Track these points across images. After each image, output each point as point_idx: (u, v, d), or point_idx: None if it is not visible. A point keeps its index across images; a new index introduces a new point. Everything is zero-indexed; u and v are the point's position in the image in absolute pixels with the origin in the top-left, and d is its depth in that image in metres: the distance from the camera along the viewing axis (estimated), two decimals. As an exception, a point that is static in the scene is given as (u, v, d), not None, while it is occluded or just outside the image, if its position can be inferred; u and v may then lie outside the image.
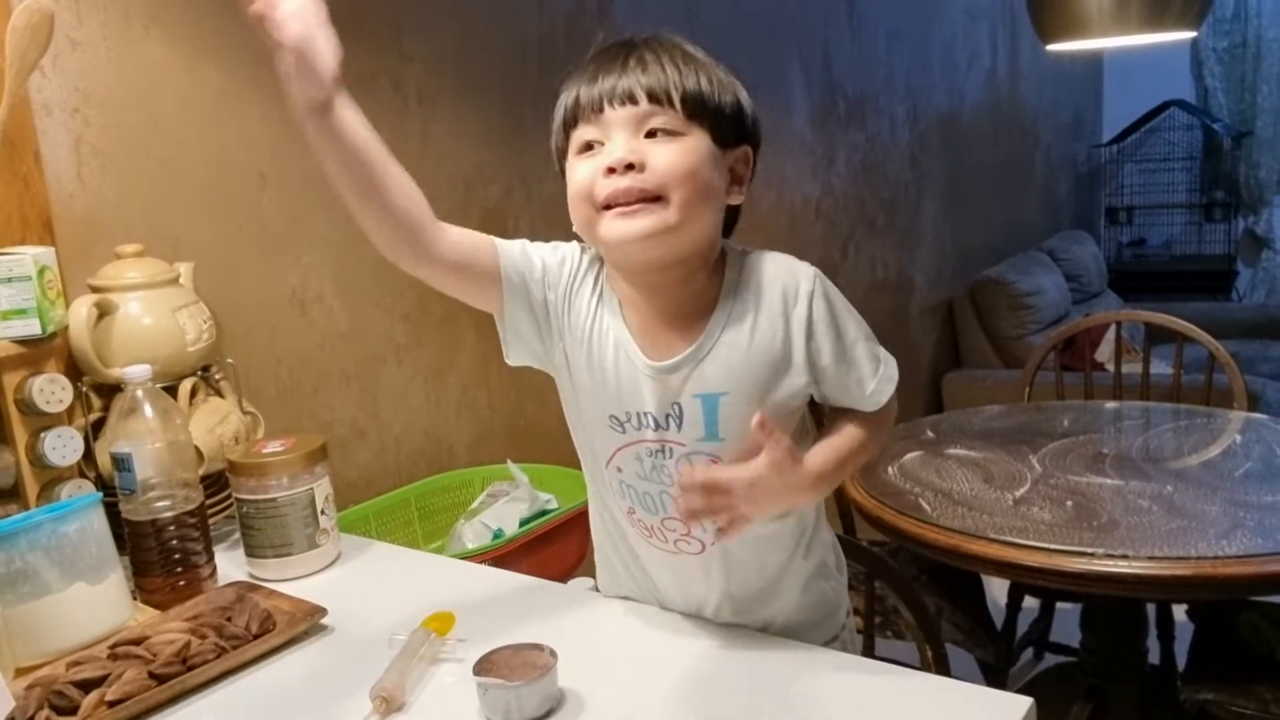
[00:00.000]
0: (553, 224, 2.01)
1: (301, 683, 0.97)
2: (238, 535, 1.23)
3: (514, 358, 1.04)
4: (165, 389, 1.19)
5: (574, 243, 1.01)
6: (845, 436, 1.00)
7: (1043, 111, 4.54)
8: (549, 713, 0.87)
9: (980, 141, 3.94)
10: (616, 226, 0.90)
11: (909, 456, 1.99)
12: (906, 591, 1.48)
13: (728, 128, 0.94)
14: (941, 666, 1.41)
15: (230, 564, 1.22)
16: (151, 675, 0.93)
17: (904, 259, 3.40)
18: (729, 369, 0.95)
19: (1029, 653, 2.54)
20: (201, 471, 1.20)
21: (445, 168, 1.80)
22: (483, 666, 0.88)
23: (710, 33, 2.40)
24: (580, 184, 0.91)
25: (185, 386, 1.26)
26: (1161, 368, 2.70)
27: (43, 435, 1.11)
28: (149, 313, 1.24)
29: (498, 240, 1.00)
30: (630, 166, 0.88)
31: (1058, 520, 1.64)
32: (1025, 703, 0.84)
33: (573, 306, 0.99)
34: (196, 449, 1.20)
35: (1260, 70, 4.80)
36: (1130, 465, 1.91)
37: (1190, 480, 1.80)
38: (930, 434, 2.16)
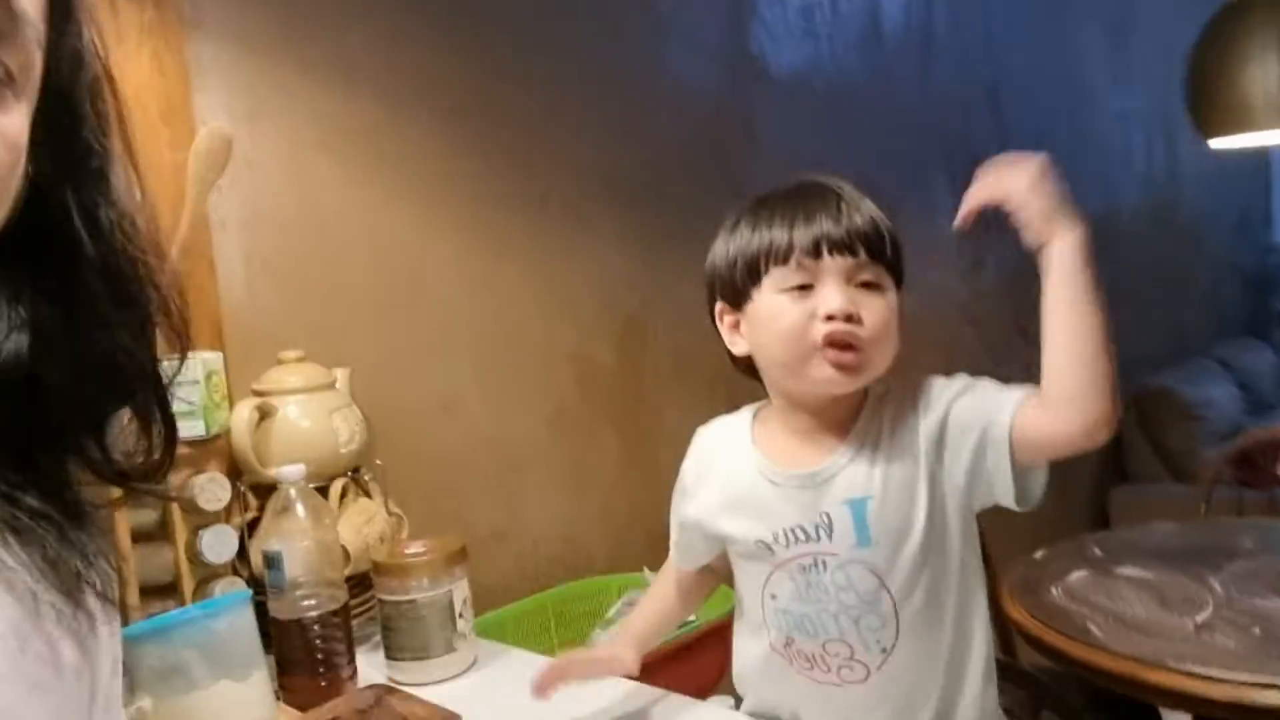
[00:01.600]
0: (691, 328, 2.02)
1: (435, 794, 0.95)
2: (378, 637, 1.23)
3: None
4: (317, 489, 1.22)
5: (686, 462, 1.13)
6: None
7: (1204, 212, 4.33)
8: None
9: (1137, 245, 3.78)
10: (828, 375, 0.95)
11: (1075, 576, 1.86)
12: (1076, 724, 1.36)
13: (901, 274, 1.00)
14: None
15: (370, 666, 1.23)
16: (289, 778, 0.92)
17: (1059, 366, 3.24)
18: (874, 473, 0.96)
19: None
20: (347, 572, 1.22)
21: (588, 275, 1.83)
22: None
23: (850, 134, 2.41)
24: (793, 324, 0.95)
25: (336, 487, 1.29)
26: (1358, 484, 2.46)
27: (201, 533, 1.15)
28: (306, 415, 1.29)
29: (674, 554, 1.17)
30: (849, 317, 0.94)
31: (1244, 649, 1.49)
32: None
33: (714, 496, 1.06)
34: (343, 549, 1.22)
35: None
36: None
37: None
38: (1098, 552, 2.01)
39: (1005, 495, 0.94)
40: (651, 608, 1.18)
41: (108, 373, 0.51)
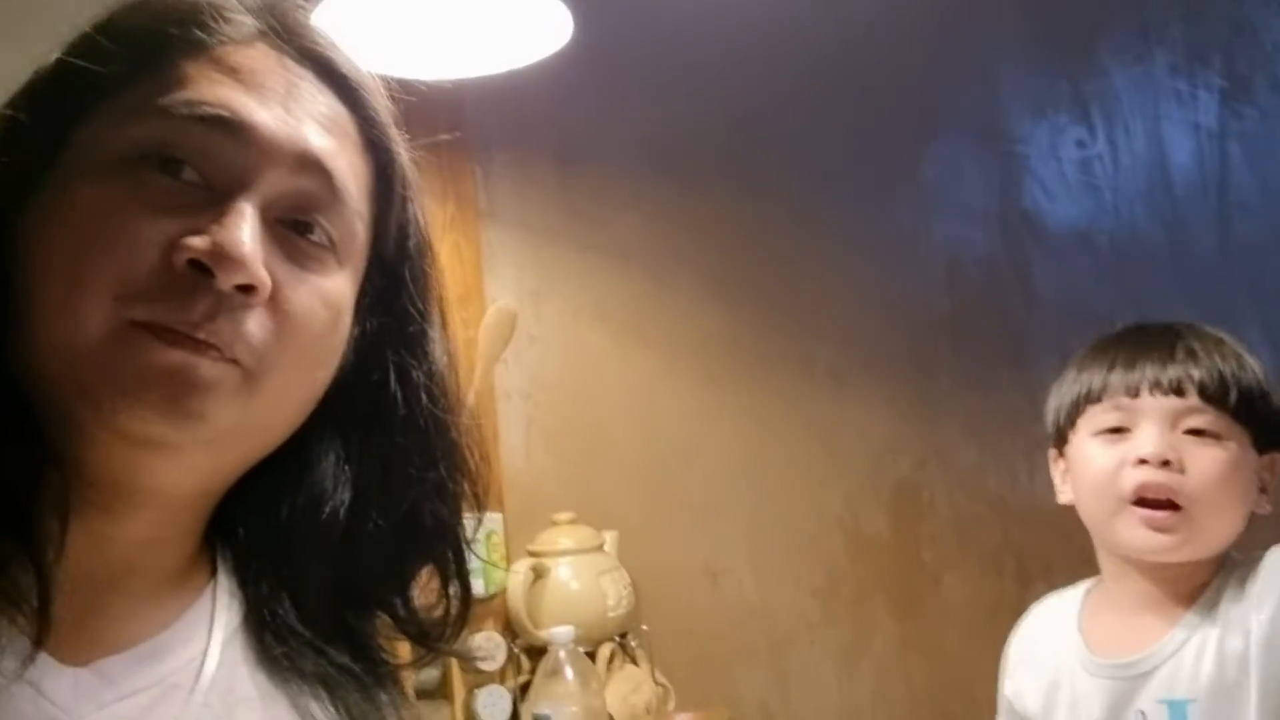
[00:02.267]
0: (971, 495, 1.90)
1: None
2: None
3: None
4: (586, 654, 1.23)
5: (1012, 638, 1.06)
6: None
7: None
8: None
9: None
10: (1140, 536, 0.86)
11: None
12: None
13: (1267, 432, 0.89)
14: None
15: (634, 845, 1.18)
16: None
17: None
18: (1198, 673, 0.84)
19: None
20: (612, 741, 1.20)
21: (855, 440, 1.78)
22: None
23: (1140, 288, 2.25)
24: (1104, 471, 0.89)
25: (604, 652, 1.29)
26: None
27: (476, 693, 1.18)
28: (576, 577, 1.31)
29: None
30: (1166, 463, 0.85)
31: None
32: None
33: (1033, 677, 0.99)
34: (610, 717, 1.21)
35: None
36: None
37: None
38: None
39: None
40: None
41: (416, 530, 0.53)
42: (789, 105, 1.80)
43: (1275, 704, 0.81)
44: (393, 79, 0.55)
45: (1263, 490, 0.88)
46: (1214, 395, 0.85)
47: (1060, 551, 1.97)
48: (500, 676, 1.23)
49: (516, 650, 1.27)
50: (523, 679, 1.27)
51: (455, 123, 1.30)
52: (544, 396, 1.49)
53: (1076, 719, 0.91)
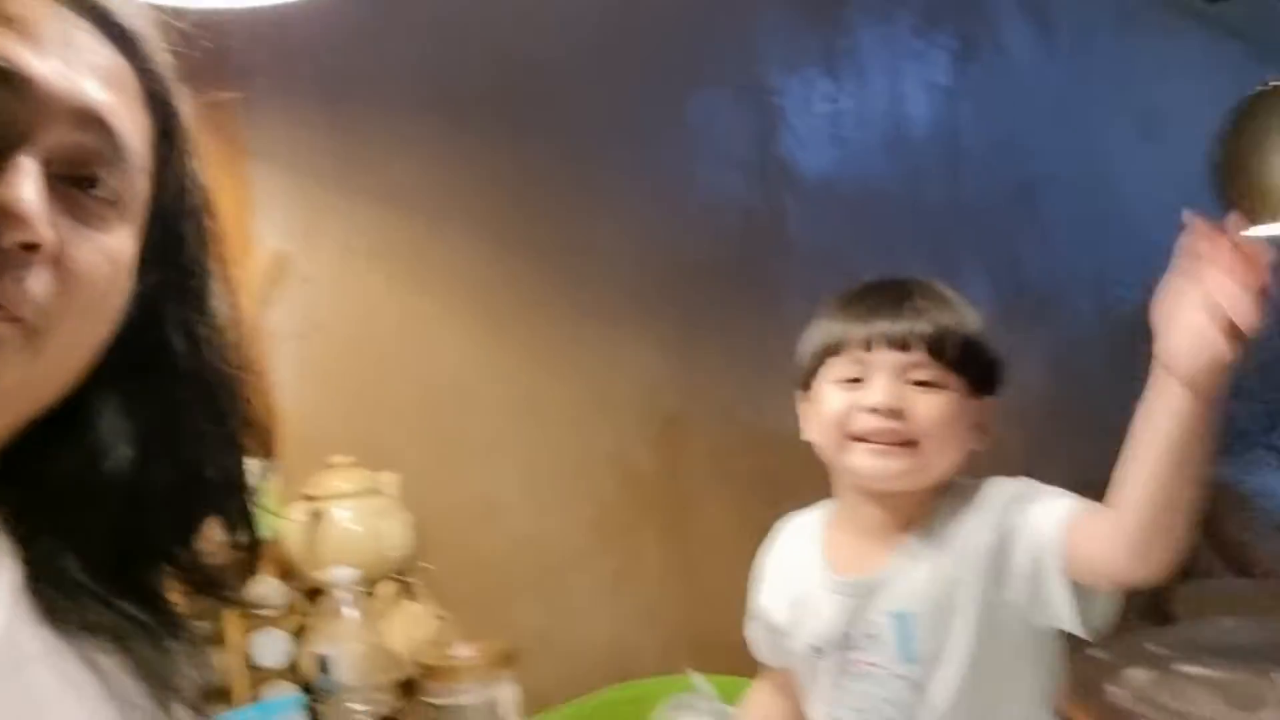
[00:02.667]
0: (729, 428, 2.04)
1: None
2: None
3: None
4: (366, 594, 1.25)
5: (763, 555, 1.14)
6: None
7: (1250, 301, 4.30)
8: None
9: (1183, 334, 3.76)
10: (866, 461, 0.95)
11: (1137, 676, 1.81)
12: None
13: (982, 380, 0.98)
14: None
15: (418, 772, 1.23)
16: None
17: (1111, 458, 3.20)
18: (922, 588, 0.94)
19: None
20: (396, 677, 1.23)
21: (626, 378, 1.87)
22: None
23: (882, 236, 2.45)
24: (835, 413, 0.97)
25: (385, 590, 1.31)
26: None
27: (253, 636, 1.17)
28: (356, 520, 1.32)
29: (762, 660, 1.17)
30: (894, 412, 0.93)
31: (1322, 751, 1.43)
32: None
33: (780, 591, 1.09)
34: (393, 654, 1.24)
35: None
36: None
37: None
38: (1158, 650, 1.95)
39: (1066, 619, 0.90)
40: None
41: (200, 482, 0.54)
42: (560, 48, 1.82)
43: (987, 617, 0.92)
44: (162, 6, 0.54)
45: (980, 431, 0.99)
46: (936, 349, 0.94)
47: (805, 475, 2.16)
48: (278, 621, 1.23)
49: (294, 594, 1.27)
50: (301, 621, 1.27)
51: (220, 58, 1.24)
52: (317, 339, 1.47)
53: (817, 630, 1.00)
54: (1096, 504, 0.90)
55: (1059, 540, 0.88)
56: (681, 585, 1.90)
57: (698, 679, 1.58)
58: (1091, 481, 0.99)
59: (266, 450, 0.59)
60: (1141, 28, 3.74)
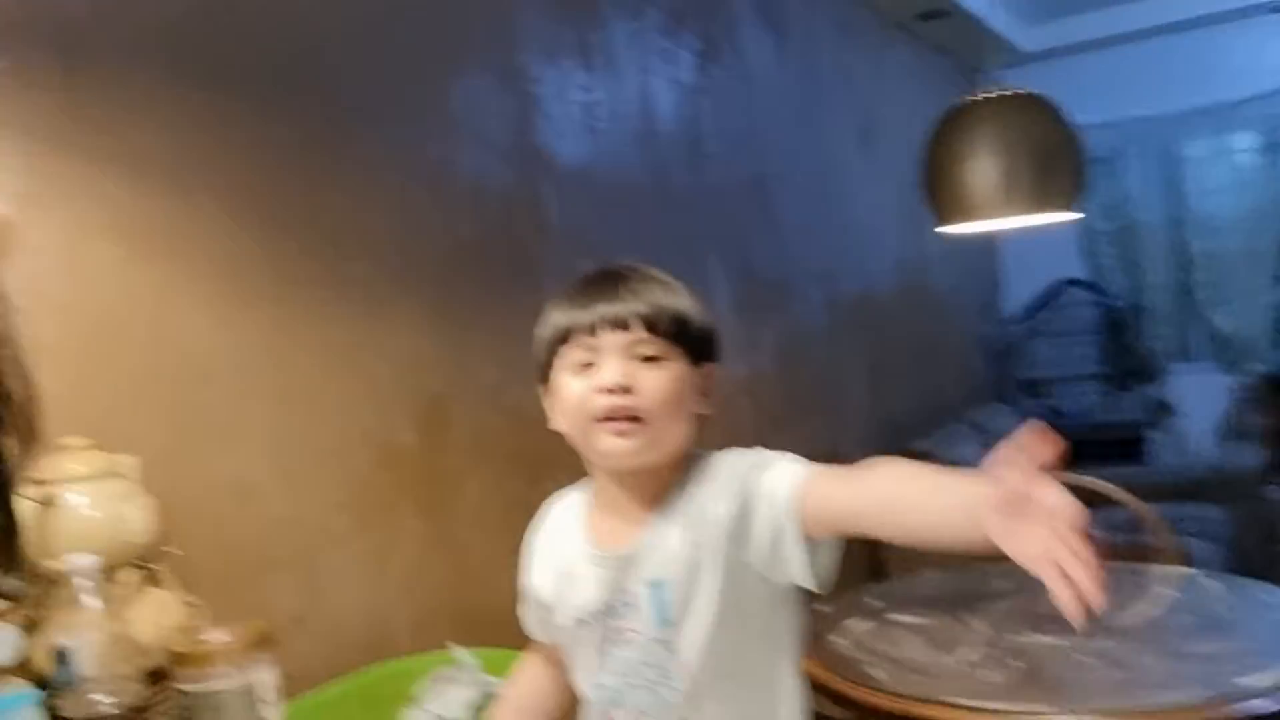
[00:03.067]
0: (491, 407, 2.07)
1: None
2: (176, 733, 1.18)
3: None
4: (108, 582, 1.18)
5: (532, 534, 1.18)
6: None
7: (950, 292, 4.82)
8: None
9: (895, 322, 4.15)
10: (609, 442, 1.01)
11: (857, 626, 2.00)
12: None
13: (700, 349, 1.06)
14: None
15: (169, 764, 1.17)
16: None
17: (835, 434, 3.50)
18: (669, 557, 1.01)
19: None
20: (144, 665, 1.17)
21: (387, 358, 1.85)
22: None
23: (632, 223, 2.56)
24: (575, 399, 1.03)
25: (127, 577, 1.24)
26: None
27: (-23, 633, 1.08)
28: (93, 505, 1.24)
29: (533, 635, 1.21)
30: (625, 389, 0.99)
31: (1008, 681, 1.65)
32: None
33: (547, 567, 1.13)
34: (138, 642, 1.18)
35: (1144, 249, 5.19)
36: (1070, 623, 1.94)
37: (1129, 635, 1.83)
38: (876, 602, 2.17)
39: (802, 576, 1.00)
40: (509, 709, 1.19)
41: None
42: (324, 24, 1.78)
43: (730, 578, 1.00)
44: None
45: (704, 395, 1.07)
46: (653, 325, 1.01)
47: (564, 454, 2.22)
48: (3, 614, 1.13)
49: (25, 584, 1.17)
50: (32, 614, 1.18)
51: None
52: (47, 313, 1.36)
53: (580, 602, 1.06)
54: (825, 467, 1.00)
55: (794, 502, 0.98)
56: (441, 563, 1.91)
57: (459, 652, 1.61)
58: (815, 453, 1.10)
59: (27, 431, 0.57)
60: (861, 39, 4.09)
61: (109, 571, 1.22)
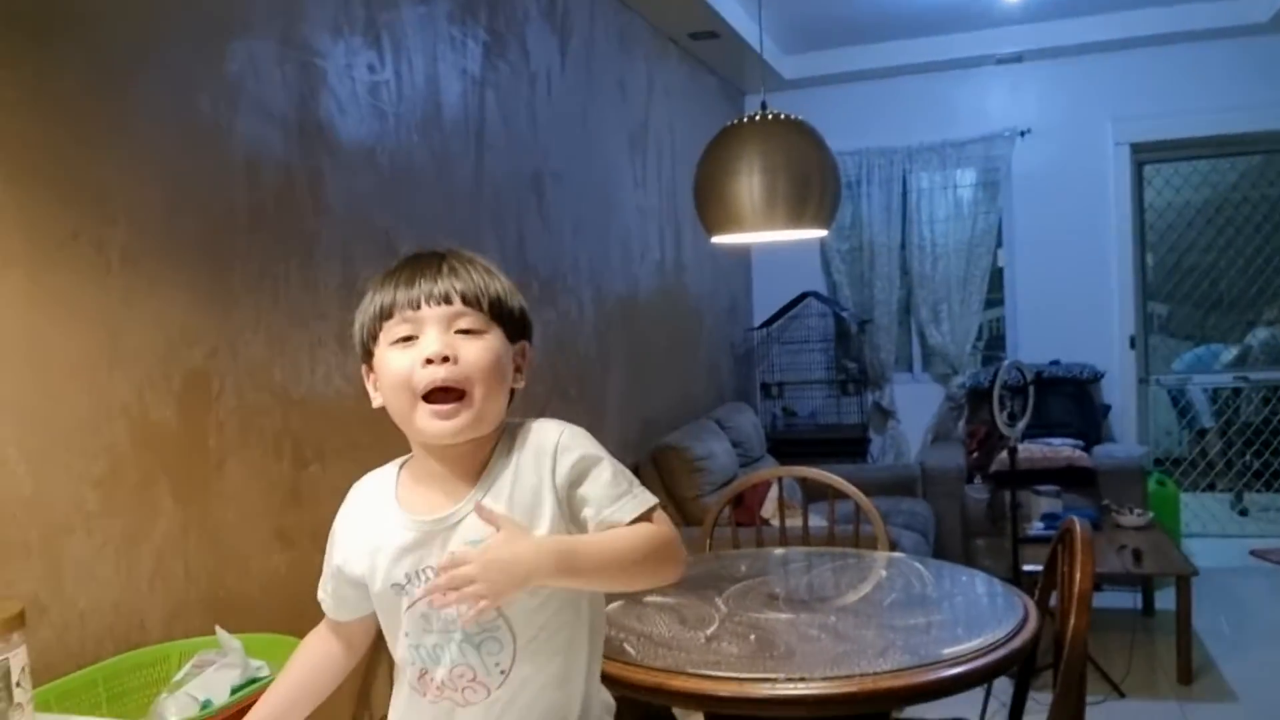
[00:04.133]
0: (258, 385, 2.01)
1: None
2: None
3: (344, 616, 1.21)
4: None
5: (338, 515, 1.19)
6: (604, 534, 1.10)
7: (705, 298, 5.09)
8: None
9: (655, 322, 4.35)
10: (434, 424, 1.06)
11: (612, 606, 2.12)
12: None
13: (515, 327, 1.13)
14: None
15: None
16: None
17: (593, 426, 3.61)
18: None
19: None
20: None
21: (148, 328, 1.76)
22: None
23: (414, 206, 2.56)
24: (399, 373, 1.06)
25: None
26: (817, 520, 3.06)
27: None
28: None
29: (328, 606, 1.21)
30: (446, 359, 1.04)
31: (744, 653, 1.82)
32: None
33: (357, 545, 1.14)
34: None
35: (875, 268, 5.70)
36: (799, 601, 2.16)
37: (849, 611, 2.06)
38: (627, 585, 2.29)
39: None
40: (287, 682, 1.18)
41: None
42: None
43: (560, 528, 1.08)
44: None
45: (518, 370, 1.14)
46: (473, 301, 1.08)
47: (332, 436, 2.20)
48: None
49: None
50: None
51: None
52: None
53: (399, 569, 1.09)
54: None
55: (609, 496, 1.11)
56: (197, 543, 1.84)
57: (224, 635, 1.58)
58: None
59: None
60: (638, 50, 4.25)
61: None
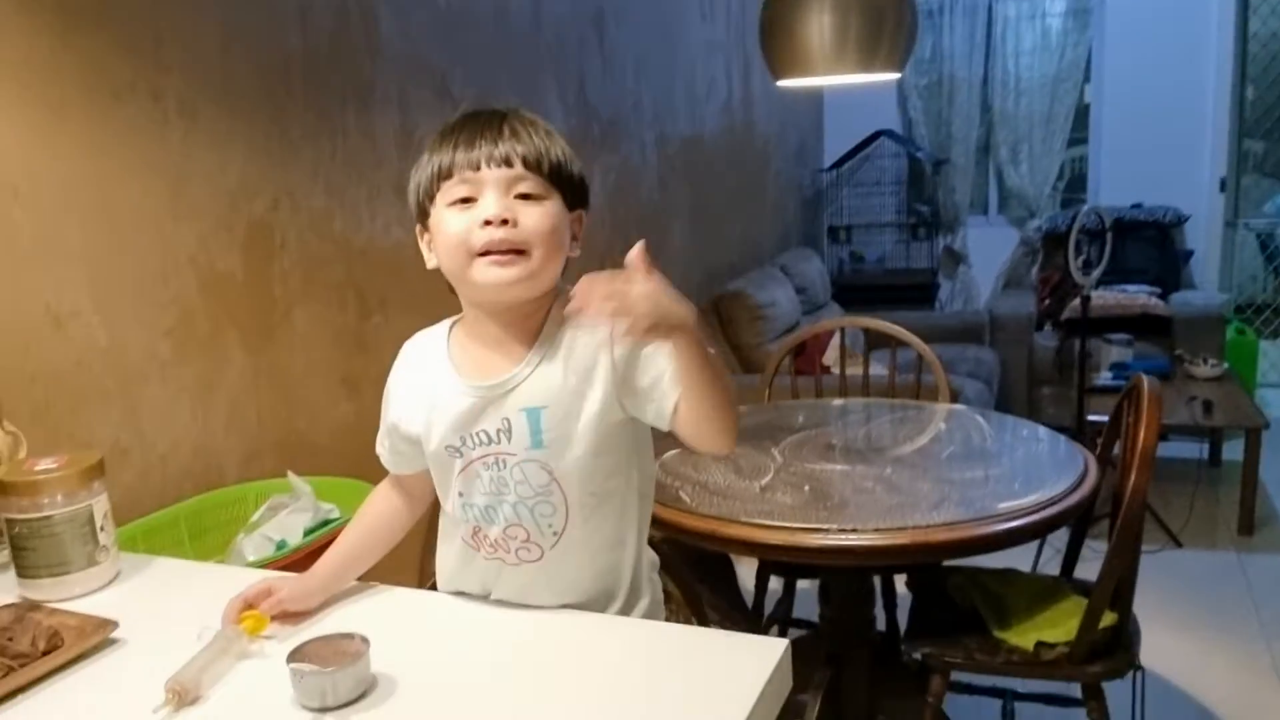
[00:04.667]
0: (320, 236, 2.03)
1: (99, 696, 0.97)
2: (2, 559, 1.18)
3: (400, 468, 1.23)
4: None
5: (392, 372, 1.19)
6: None
7: (773, 139, 4.94)
8: (362, 695, 0.93)
9: (719, 166, 4.25)
10: (491, 272, 1.04)
11: (668, 454, 2.16)
12: (680, 577, 1.62)
13: (575, 195, 1.10)
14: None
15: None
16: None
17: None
18: (548, 387, 1.08)
19: (776, 629, 2.78)
20: (-34, 493, 1.15)
21: (209, 179, 1.77)
22: (295, 656, 0.93)
23: (470, 50, 2.49)
24: (456, 233, 1.05)
25: (-58, 406, 1.20)
26: (878, 369, 3.04)
27: None
28: (-103, 330, 1.18)
29: (387, 460, 1.22)
30: (505, 221, 1.03)
31: (797, 503, 1.85)
32: (781, 644, 0.99)
33: (412, 404, 1.15)
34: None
35: (954, 105, 5.46)
36: (855, 453, 2.17)
37: (905, 463, 2.07)
38: (686, 433, 2.33)
39: (658, 420, 1.09)
40: (355, 532, 1.23)
41: None
42: None
43: (603, 411, 1.07)
44: None
45: (574, 238, 1.12)
46: (534, 165, 1.05)
47: (394, 287, 2.22)
48: None
49: None
50: None
51: None
52: None
53: (453, 431, 1.10)
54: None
55: (667, 415, 1.07)
56: (267, 389, 1.91)
57: (295, 479, 1.65)
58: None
59: None
60: None
61: (-79, 399, 1.17)
